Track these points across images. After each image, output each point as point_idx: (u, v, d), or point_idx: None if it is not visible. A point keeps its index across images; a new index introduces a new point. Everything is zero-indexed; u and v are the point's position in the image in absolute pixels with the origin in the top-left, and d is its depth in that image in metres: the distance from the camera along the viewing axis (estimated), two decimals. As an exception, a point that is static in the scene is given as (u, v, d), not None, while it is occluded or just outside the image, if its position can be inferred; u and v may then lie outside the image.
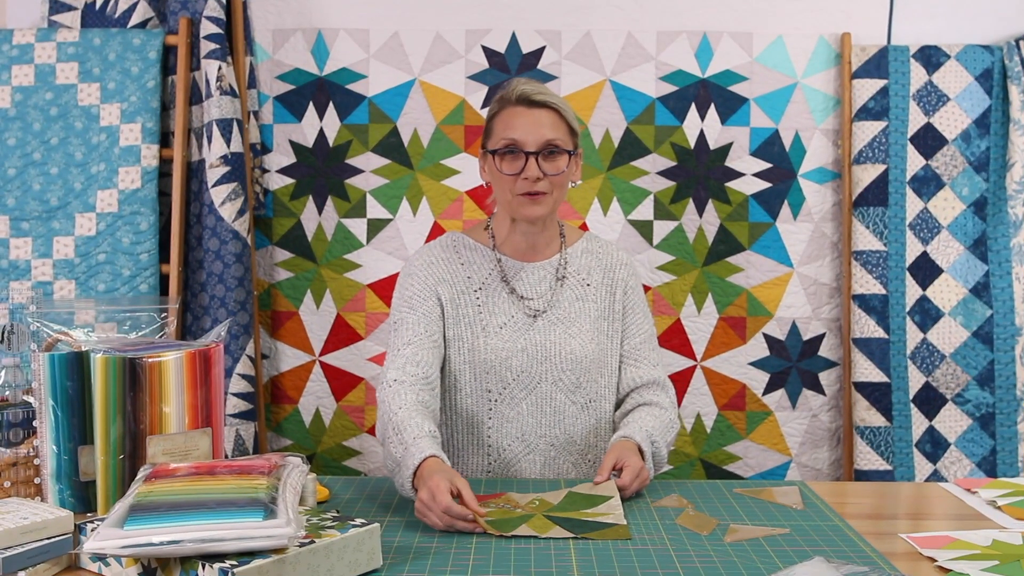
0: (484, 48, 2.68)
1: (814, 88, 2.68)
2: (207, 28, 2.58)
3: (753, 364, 2.71)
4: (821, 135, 2.68)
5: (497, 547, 1.37)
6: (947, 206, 2.65)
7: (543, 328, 1.81)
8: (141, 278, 2.58)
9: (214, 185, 2.57)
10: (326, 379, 2.72)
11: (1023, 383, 2.64)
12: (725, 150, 2.68)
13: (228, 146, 2.57)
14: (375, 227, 2.71)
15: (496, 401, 1.79)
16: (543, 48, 2.69)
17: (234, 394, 2.56)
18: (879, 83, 2.64)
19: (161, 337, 1.63)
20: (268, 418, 2.73)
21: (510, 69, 2.68)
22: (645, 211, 2.69)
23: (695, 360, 2.71)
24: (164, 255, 2.63)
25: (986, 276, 2.65)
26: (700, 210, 2.69)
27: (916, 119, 2.65)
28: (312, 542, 1.19)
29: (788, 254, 2.69)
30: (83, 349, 1.46)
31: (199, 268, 2.64)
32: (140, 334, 1.63)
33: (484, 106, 2.68)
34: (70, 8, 2.70)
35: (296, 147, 2.71)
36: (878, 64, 2.65)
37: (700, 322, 2.70)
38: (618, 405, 1.88)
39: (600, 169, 2.69)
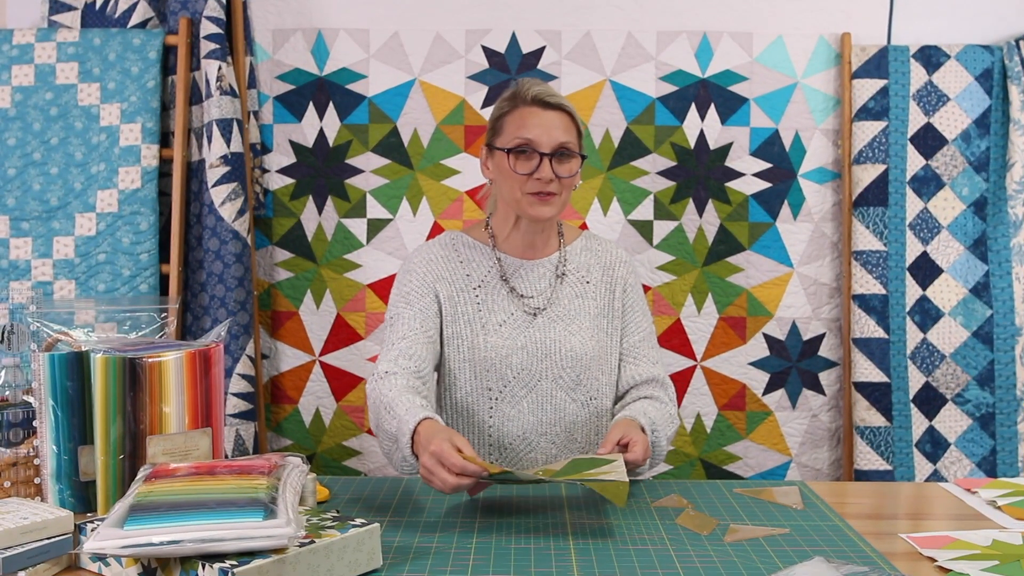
0: (484, 48, 2.68)
1: (814, 88, 2.68)
2: (207, 28, 2.58)
3: (753, 364, 2.71)
4: (821, 135, 2.68)
5: (497, 547, 1.37)
6: (947, 206, 2.65)
7: (543, 326, 1.81)
8: (141, 278, 2.58)
9: (214, 185, 2.57)
10: (326, 379, 2.72)
11: (1023, 383, 2.64)
12: (725, 150, 2.68)
13: (228, 146, 2.57)
14: (375, 227, 2.71)
15: (497, 399, 1.79)
16: (543, 48, 2.69)
17: (234, 394, 2.57)
18: (879, 83, 2.64)
19: (161, 337, 1.63)
20: (268, 418, 2.73)
21: (510, 69, 2.68)
22: (645, 211, 2.69)
23: (695, 360, 2.71)
24: (164, 255, 2.63)
25: (986, 276, 2.65)
26: (700, 210, 2.69)
27: (916, 119, 2.66)
28: (312, 542, 1.19)
29: (788, 254, 2.69)
30: (83, 349, 1.46)
31: (199, 268, 2.64)
32: (140, 334, 1.63)
33: (484, 106, 2.68)
34: (70, 8, 2.70)
35: (296, 147, 2.71)
36: (878, 64, 2.65)
37: (700, 322, 2.70)
38: (617, 402, 1.88)
39: (600, 169, 2.69)
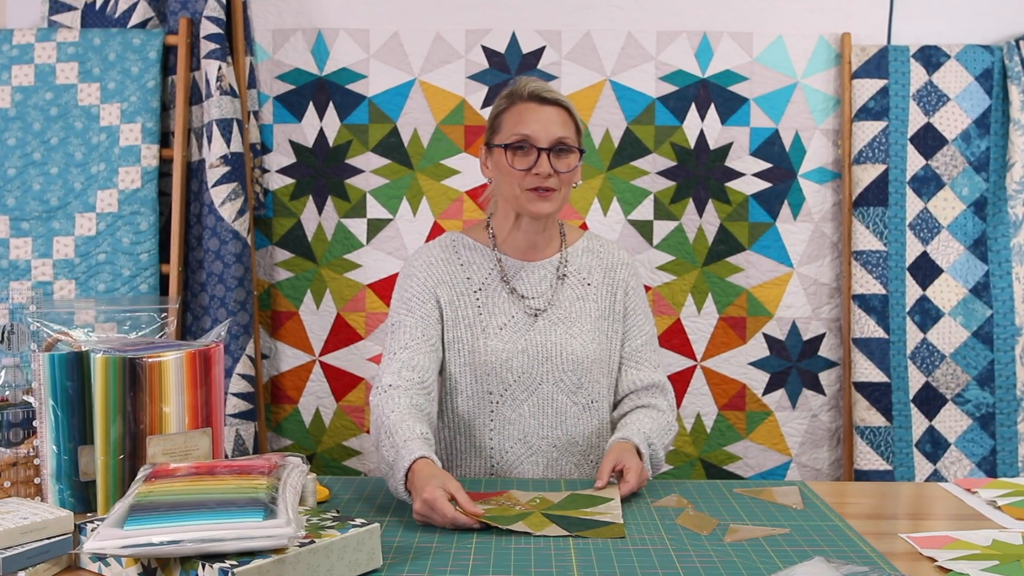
0: (484, 48, 2.68)
1: (814, 88, 2.68)
2: (207, 28, 2.58)
3: (753, 364, 2.71)
4: (821, 135, 2.68)
5: (497, 547, 1.37)
6: (947, 206, 2.65)
7: (544, 328, 1.80)
8: (141, 278, 2.58)
9: (214, 185, 2.57)
10: (326, 379, 2.72)
11: (1023, 383, 2.64)
12: (725, 150, 2.68)
13: (228, 146, 2.57)
14: (375, 227, 2.71)
15: (497, 403, 1.79)
16: (543, 48, 2.69)
17: (234, 394, 2.56)
18: (879, 83, 2.64)
19: (161, 337, 1.63)
20: (268, 418, 2.73)
21: (510, 69, 2.68)
22: (645, 211, 2.69)
23: (695, 360, 2.71)
24: (164, 255, 2.63)
25: (986, 276, 2.65)
26: (700, 210, 2.69)
27: (916, 119, 2.65)
28: (312, 542, 1.19)
29: (788, 254, 2.69)
30: (83, 349, 1.46)
31: (199, 268, 2.64)
32: (140, 334, 1.63)
33: (484, 106, 2.68)
34: (70, 8, 2.70)
35: (296, 147, 2.71)
36: (878, 64, 2.65)
37: (700, 322, 2.70)
38: (616, 406, 1.88)
39: (600, 169, 2.69)
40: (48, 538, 1.25)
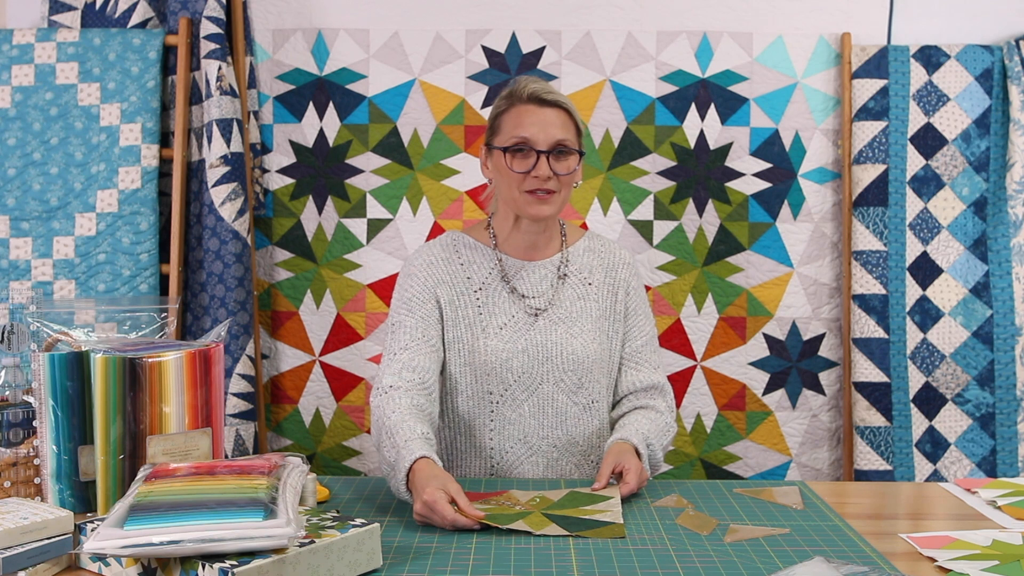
0: (484, 48, 2.68)
1: (814, 88, 2.68)
2: (207, 28, 2.58)
3: (753, 364, 2.71)
4: (821, 135, 2.68)
5: (497, 547, 1.37)
6: (947, 206, 2.65)
7: (544, 328, 1.80)
8: (141, 278, 2.58)
9: (214, 185, 2.57)
10: (326, 379, 2.72)
11: (1023, 383, 2.64)
12: (725, 150, 2.68)
13: (228, 146, 2.57)
14: (375, 227, 2.71)
15: (497, 403, 1.79)
16: (543, 48, 2.69)
17: (234, 394, 2.57)
18: (879, 83, 2.64)
19: (161, 337, 1.63)
20: (268, 418, 2.73)
21: (510, 69, 2.68)
22: (645, 211, 2.69)
23: (695, 360, 2.71)
24: (164, 255, 2.63)
25: (986, 276, 2.65)
26: (700, 210, 2.69)
27: (916, 119, 2.65)
28: (312, 542, 1.19)
29: (788, 254, 2.69)
30: (83, 349, 1.46)
31: (199, 268, 2.64)
32: (140, 334, 1.63)
33: (484, 106, 2.68)
34: (70, 8, 2.70)
35: (296, 147, 2.71)
36: (878, 64, 2.65)
37: (700, 322, 2.70)
38: (615, 406, 1.88)
39: (600, 169, 2.69)
40: (48, 538, 1.25)
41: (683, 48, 2.67)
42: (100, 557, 1.23)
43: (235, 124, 2.59)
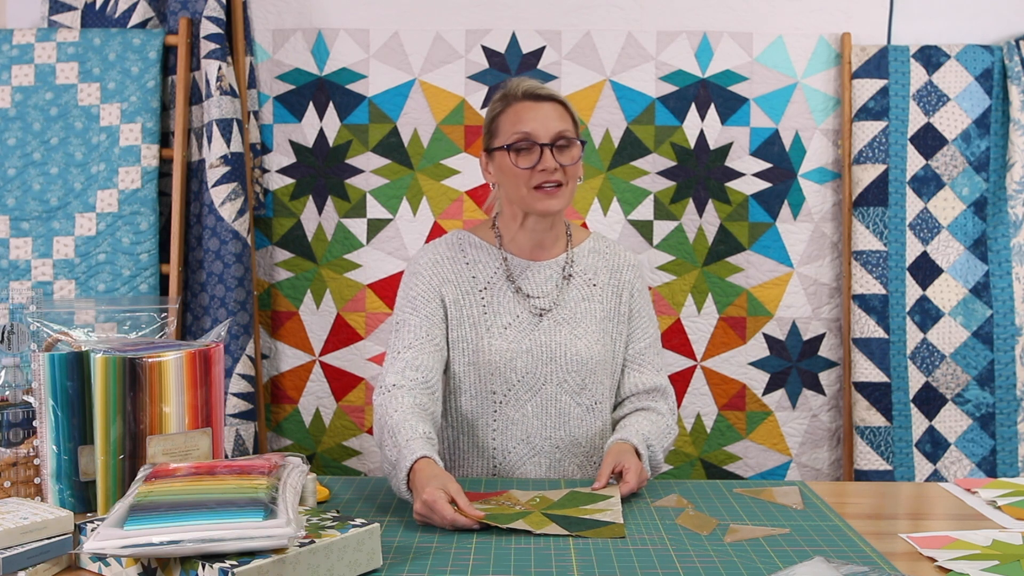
0: (484, 48, 2.68)
1: (814, 88, 2.68)
2: (207, 28, 2.58)
3: (753, 364, 2.71)
4: (821, 135, 2.68)
5: (497, 547, 1.37)
6: (947, 206, 2.65)
7: (548, 329, 1.80)
8: (141, 278, 2.58)
9: (214, 185, 2.57)
10: (326, 379, 2.72)
11: (1023, 383, 2.64)
12: (725, 150, 2.68)
13: (228, 146, 2.57)
14: (375, 227, 2.71)
15: (501, 403, 1.79)
16: (543, 48, 2.69)
17: (234, 394, 2.57)
18: (879, 83, 2.64)
19: (161, 337, 1.63)
20: (268, 418, 2.73)
21: (510, 69, 2.68)
22: (645, 211, 2.69)
23: (695, 360, 2.71)
24: (164, 255, 2.63)
25: (986, 276, 2.65)
26: (700, 210, 2.69)
27: (916, 119, 2.65)
28: (312, 542, 1.19)
29: (788, 254, 2.69)
30: (83, 349, 1.46)
31: (199, 268, 2.64)
32: (140, 334, 1.63)
33: (484, 106, 2.68)
34: (70, 8, 2.70)
35: (296, 147, 2.71)
36: (878, 64, 2.65)
37: (700, 322, 2.70)
38: (616, 408, 1.88)
39: (600, 169, 2.69)
40: (48, 538, 1.25)
41: (683, 48, 2.67)
42: (100, 557, 1.23)
43: (235, 124, 2.59)
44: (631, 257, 1.91)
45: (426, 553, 1.34)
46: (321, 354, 2.72)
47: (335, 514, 1.32)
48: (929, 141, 2.65)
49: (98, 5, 2.70)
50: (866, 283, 2.63)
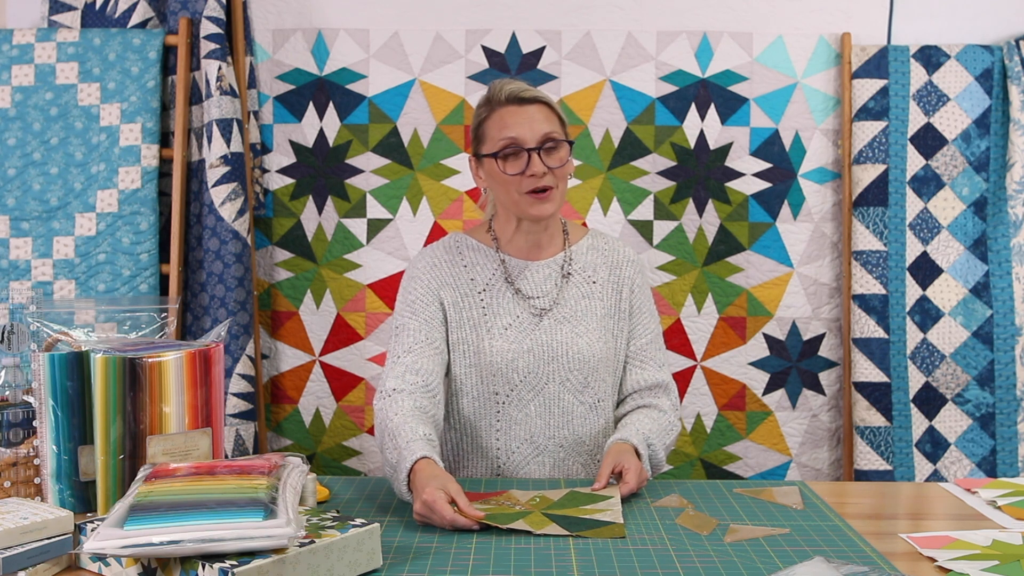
0: (484, 48, 2.68)
1: (814, 88, 2.68)
2: (207, 28, 2.58)
3: (753, 364, 2.71)
4: (821, 135, 2.68)
5: (497, 547, 1.37)
6: (947, 206, 2.65)
7: (549, 328, 1.80)
8: (141, 278, 2.58)
9: (214, 185, 2.57)
10: (326, 379, 2.72)
11: (1023, 383, 2.64)
12: (725, 150, 2.68)
13: (228, 146, 2.57)
14: (375, 227, 2.71)
15: (504, 404, 1.78)
16: (543, 48, 2.69)
17: (234, 394, 2.57)
18: (879, 83, 2.64)
19: (161, 337, 1.63)
20: (268, 418, 2.73)
21: (510, 69, 2.68)
22: (645, 211, 2.69)
23: (695, 360, 2.71)
24: (164, 255, 2.63)
25: (986, 276, 2.65)
26: (700, 210, 2.69)
27: (916, 119, 2.65)
28: (312, 542, 1.19)
29: (788, 254, 2.69)
30: (83, 349, 1.46)
31: (199, 268, 2.64)
32: (140, 334, 1.63)
33: (484, 106, 2.68)
34: (70, 8, 2.70)
35: (296, 147, 2.71)
36: (878, 64, 2.65)
37: (700, 322, 2.70)
38: (618, 405, 1.88)
39: (600, 169, 2.69)
40: (48, 538, 1.25)
41: (683, 48, 2.67)
42: (100, 557, 1.23)
43: (235, 124, 2.59)
44: (630, 253, 1.90)
45: (426, 553, 1.34)
46: (321, 354, 2.72)
47: (335, 514, 1.32)
48: (929, 141, 2.65)
49: (98, 5, 2.70)
50: (866, 283, 2.63)
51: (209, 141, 2.57)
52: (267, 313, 2.73)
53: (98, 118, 2.61)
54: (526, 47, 2.69)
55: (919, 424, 2.65)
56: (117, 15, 2.68)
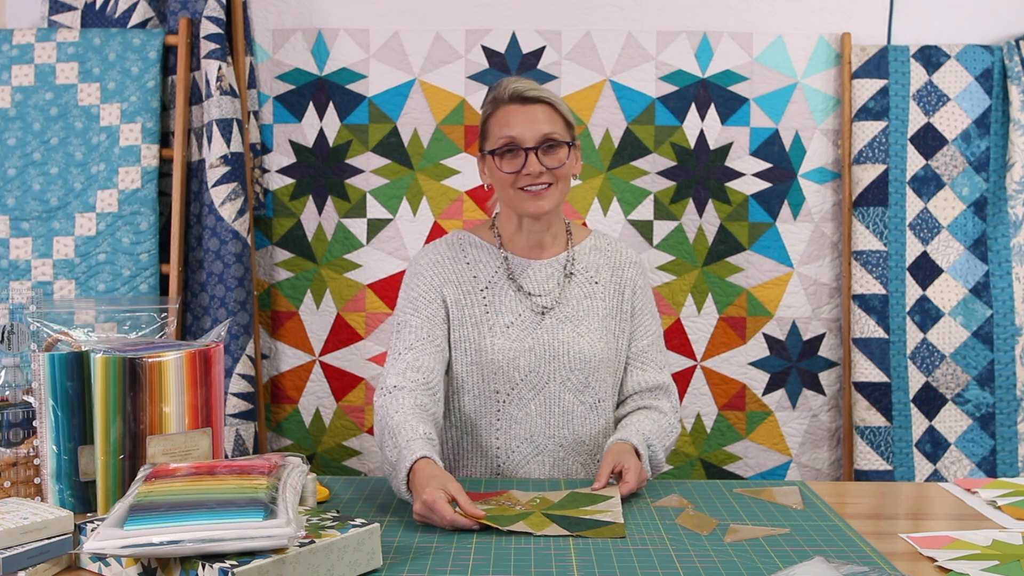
0: (484, 48, 2.68)
1: (814, 88, 2.68)
2: (207, 28, 2.58)
3: (753, 364, 2.71)
4: (821, 135, 2.68)
5: (497, 547, 1.37)
6: (947, 206, 2.65)
7: (551, 327, 1.80)
8: (141, 278, 2.58)
9: (214, 185, 2.57)
10: (326, 379, 2.72)
11: (1023, 383, 2.64)
12: (725, 150, 2.68)
13: (228, 146, 2.57)
14: (375, 227, 2.71)
15: (504, 402, 1.78)
16: (543, 48, 2.69)
17: (234, 394, 2.57)
18: (879, 83, 2.64)
19: (161, 337, 1.63)
20: (268, 418, 2.73)
21: (510, 69, 2.68)
22: (645, 211, 2.69)
23: (695, 360, 2.71)
24: (164, 255, 2.63)
25: (986, 276, 2.65)
26: (700, 210, 2.69)
27: (916, 119, 2.65)
28: (312, 542, 1.19)
29: (788, 254, 2.69)
30: (83, 349, 1.46)
31: (199, 268, 2.64)
32: (140, 334, 1.63)
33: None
34: (70, 8, 2.70)
35: (296, 147, 2.71)
36: (878, 64, 2.65)
37: (700, 322, 2.70)
38: (619, 406, 1.88)
39: (600, 169, 2.69)
40: (48, 538, 1.25)
41: (683, 48, 2.67)
42: (100, 557, 1.23)
43: (235, 124, 2.59)
44: (633, 255, 1.90)
45: (426, 553, 1.34)
46: (321, 354, 2.72)
47: (335, 514, 1.32)
48: (929, 141, 2.65)
49: (98, 5, 2.70)
50: (866, 283, 2.63)
51: (209, 141, 2.57)
52: (267, 313, 2.73)
53: (98, 118, 2.61)
54: (526, 47, 2.69)
55: (919, 424, 2.65)
56: (117, 15, 2.68)
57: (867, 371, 2.61)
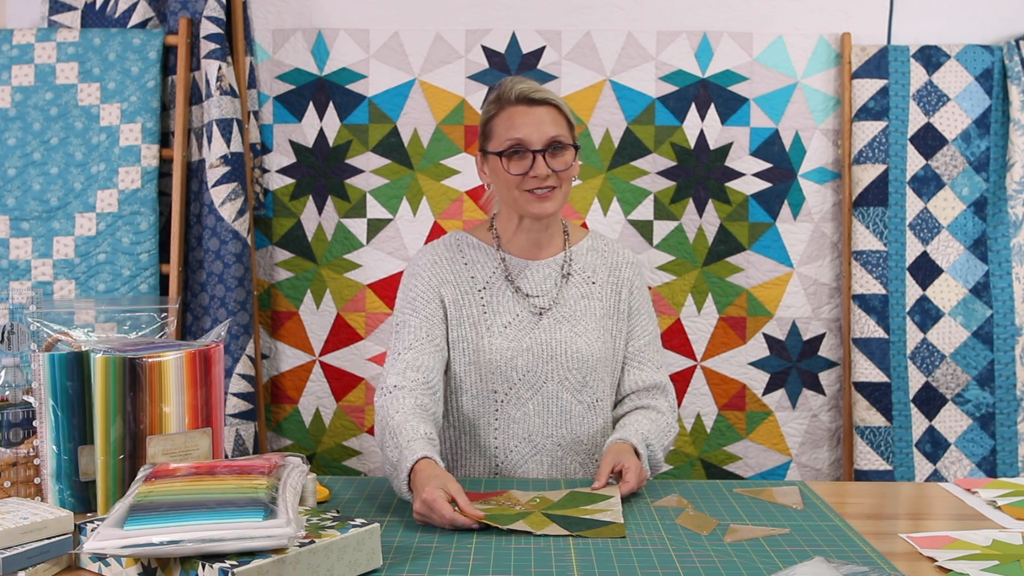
0: (484, 48, 2.68)
1: (814, 88, 2.68)
2: (207, 28, 2.58)
3: (753, 364, 2.71)
4: (821, 135, 2.68)
5: (497, 547, 1.37)
6: (947, 206, 2.65)
7: (548, 327, 1.80)
8: (141, 278, 2.58)
9: (214, 185, 2.57)
10: (326, 379, 2.72)
11: (1023, 383, 2.64)
12: (725, 150, 2.68)
13: (228, 146, 2.57)
14: (375, 227, 2.71)
15: (502, 402, 1.79)
16: (543, 48, 2.69)
17: (234, 394, 2.57)
18: (879, 83, 2.64)
19: (161, 337, 1.63)
20: (268, 418, 2.73)
21: (510, 69, 2.68)
22: (645, 211, 2.69)
23: (695, 360, 2.71)
24: (164, 255, 2.63)
25: (986, 276, 2.65)
26: (700, 210, 2.69)
27: (916, 119, 2.65)
28: (312, 542, 1.19)
29: (788, 254, 2.69)
30: (83, 349, 1.46)
31: (199, 268, 2.64)
32: (140, 334, 1.63)
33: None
34: (70, 8, 2.70)
35: (296, 147, 2.71)
36: (878, 64, 2.65)
37: (700, 322, 2.70)
38: (616, 405, 1.88)
39: (600, 169, 2.69)
40: (48, 538, 1.25)
41: (683, 48, 2.67)
42: (100, 557, 1.23)
43: (235, 124, 2.59)
44: (630, 255, 1.91)
45: (426, 553, 1.34)
46: (321, 354, 2.72)
47: (335, 514, 1.33)
48: (929, 141, 2.65)
49: (98, 5, 2.70)
50: (866, 283, 2.63)
51: (209, 141, 2.57)
52: (267, 313, 2.73)
53: (98, 118, 2.61)
54: (526, 47, 2.69)
55: (919, 424, 2.65)
56: (117, 15, 2.68)
57: (867, 371, 2.61)
